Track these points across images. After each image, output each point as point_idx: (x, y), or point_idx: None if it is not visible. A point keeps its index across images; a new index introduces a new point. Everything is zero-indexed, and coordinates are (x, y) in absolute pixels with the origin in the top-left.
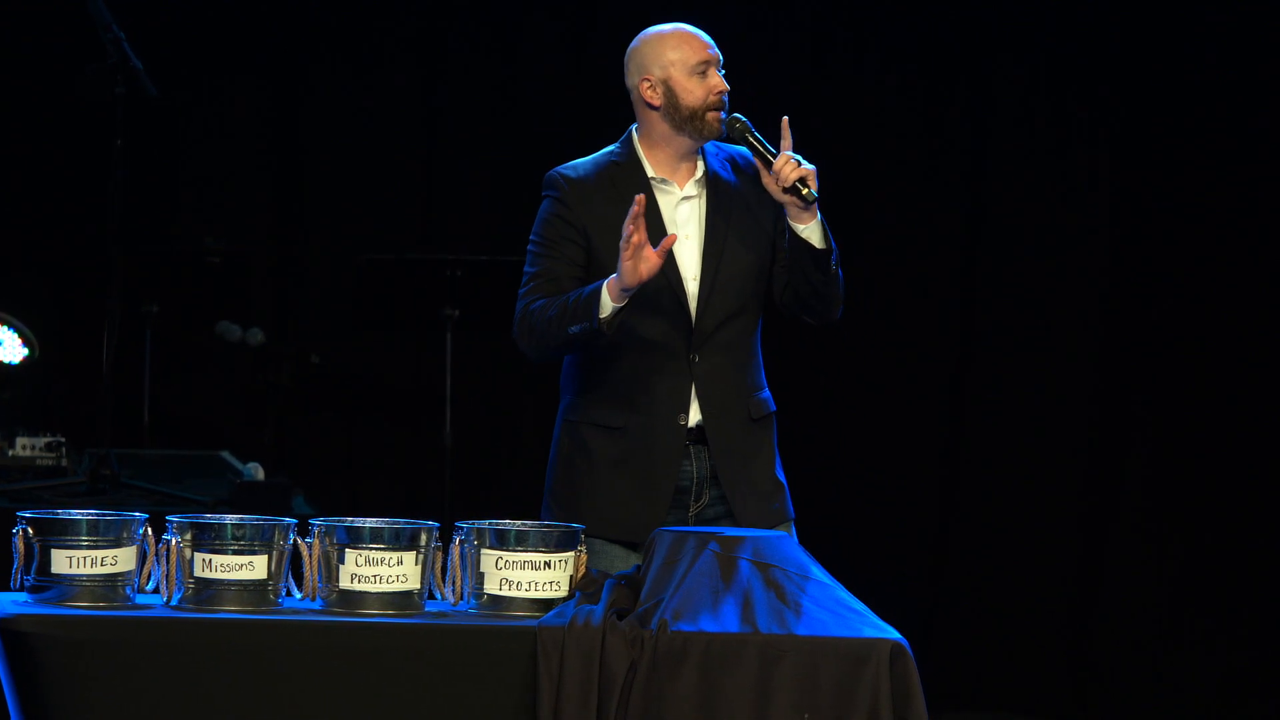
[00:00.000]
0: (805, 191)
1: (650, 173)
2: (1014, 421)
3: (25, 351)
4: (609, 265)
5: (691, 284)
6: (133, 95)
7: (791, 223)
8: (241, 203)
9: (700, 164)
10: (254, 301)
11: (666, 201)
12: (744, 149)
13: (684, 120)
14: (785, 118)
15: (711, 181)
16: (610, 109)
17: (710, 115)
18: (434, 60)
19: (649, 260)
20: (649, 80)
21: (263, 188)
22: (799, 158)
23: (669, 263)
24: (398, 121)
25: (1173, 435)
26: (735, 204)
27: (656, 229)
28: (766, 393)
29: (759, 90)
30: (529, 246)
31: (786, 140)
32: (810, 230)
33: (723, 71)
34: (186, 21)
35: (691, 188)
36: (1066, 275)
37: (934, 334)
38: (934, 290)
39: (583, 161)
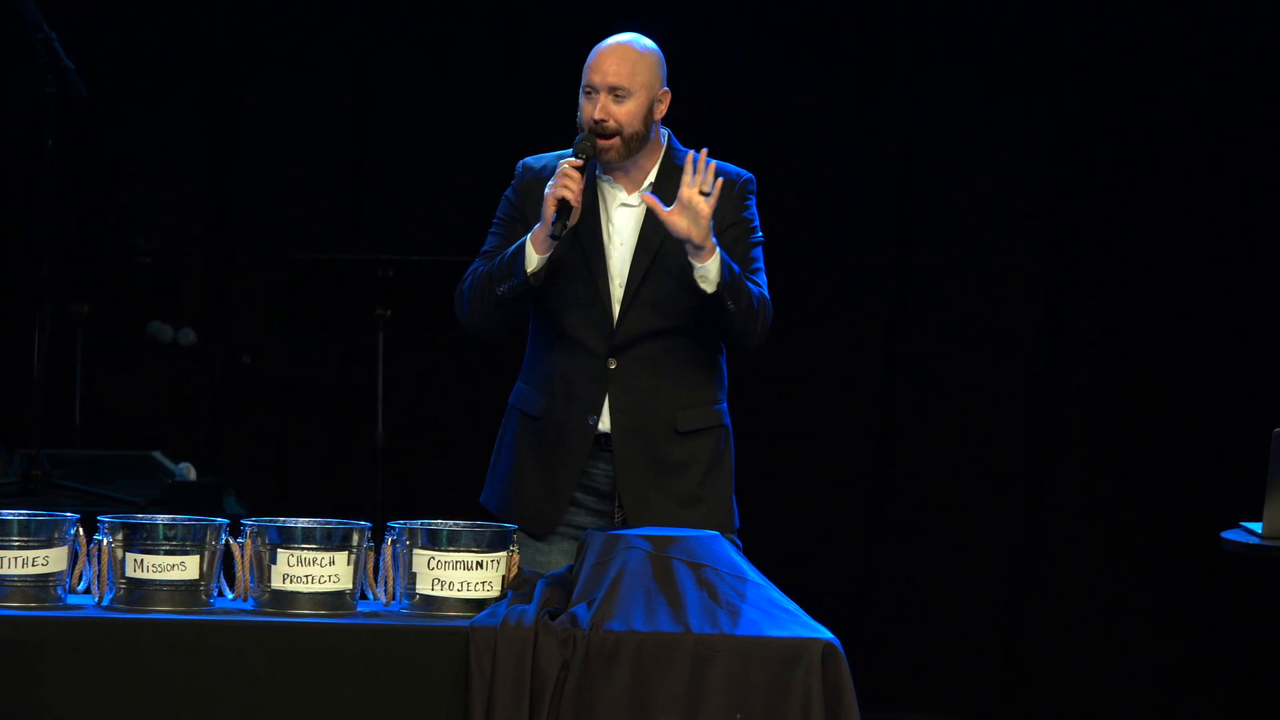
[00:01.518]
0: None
1: (599, 171)
2: (947, 423)
3: None
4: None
5: (617, 289)
6: (64, 95)
7: (690, 259)
8: (173, 203)
9: (653, 175)
10: (185, 301)
11: (610, 201)
12: (729, 166)
13: None
14: (705, 150)
15: (657, 194)
16: (541, 111)
17: (599, 143)
18: (366, 61)
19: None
20: None
21: (194, 187)
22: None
23: (597, 263)
24: (329, 122)
25: (1103, 437)
26: None
27: (593, 225)
28: (713, 407)
29: (692, 95)
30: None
31: (687, 177)
32: (704, 270)
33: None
34: (119, 22)
35: (634, 197)
36: (998, 283)
37: (865, 335)
38: (865, 294)
39: (552, 154)
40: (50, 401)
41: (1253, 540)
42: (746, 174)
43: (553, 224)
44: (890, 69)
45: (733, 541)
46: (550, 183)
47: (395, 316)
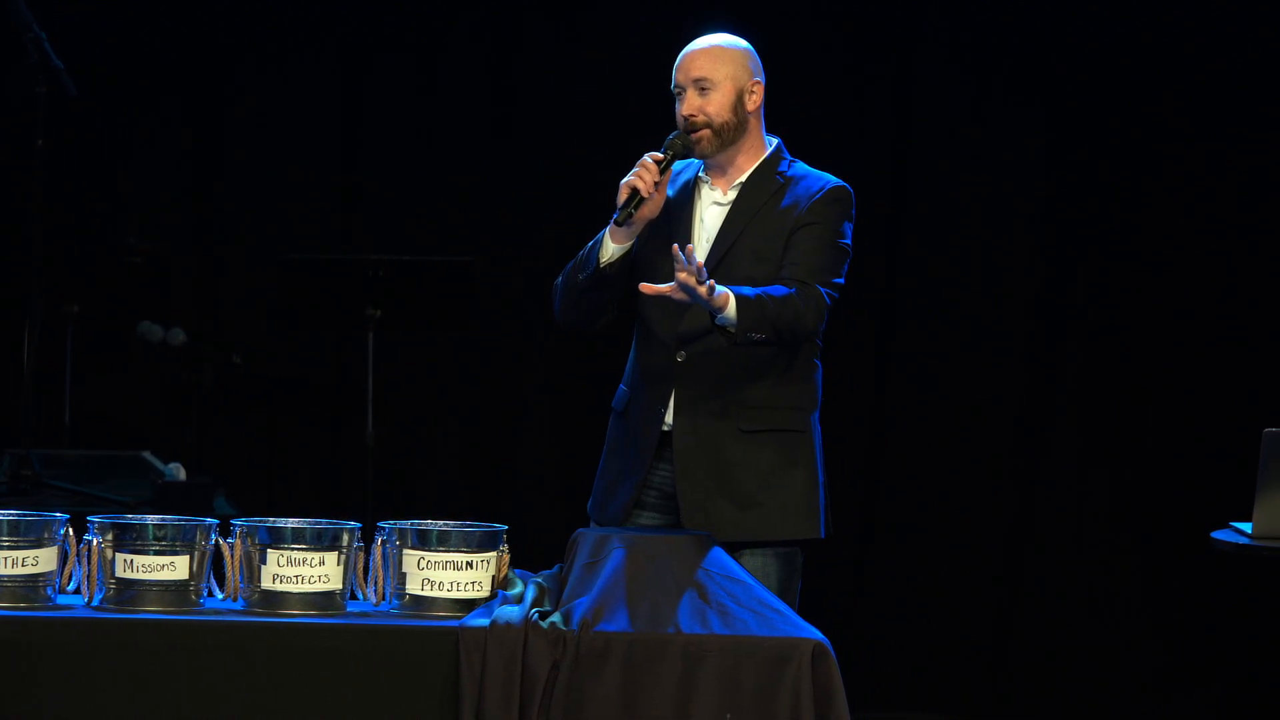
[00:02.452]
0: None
1: (702, 172)
2: (940, 421)
3: None
4: (639, 248)
5: None
6: (54, 95)
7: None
8: (163, 202)
9: (746, 174)
10: (175, 301)
11: (704, 200)
12: (819, 172)
13: None
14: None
15: (745, 192)
16: (534, 110)
17: (691, 137)
18: (358, 61)
19: (650, 202)
20: None
21: (185, 187)
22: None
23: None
24: (320, 121)
25: (1095, 436)
26: (759, 218)
27: (686, 223)
28: (788, 410)
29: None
30: None
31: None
32: (725, 317)
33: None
34: (108, 21)
35: (726, 195)
36: (991, 282)
37: (859, 334)
38: (860, 293)
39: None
40: (40, 401)
41: (1243, 540)
42: (836, 182)
43: (619, 209)
44: (888, 68)
45: (800, 554)
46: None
47: (386, 316)
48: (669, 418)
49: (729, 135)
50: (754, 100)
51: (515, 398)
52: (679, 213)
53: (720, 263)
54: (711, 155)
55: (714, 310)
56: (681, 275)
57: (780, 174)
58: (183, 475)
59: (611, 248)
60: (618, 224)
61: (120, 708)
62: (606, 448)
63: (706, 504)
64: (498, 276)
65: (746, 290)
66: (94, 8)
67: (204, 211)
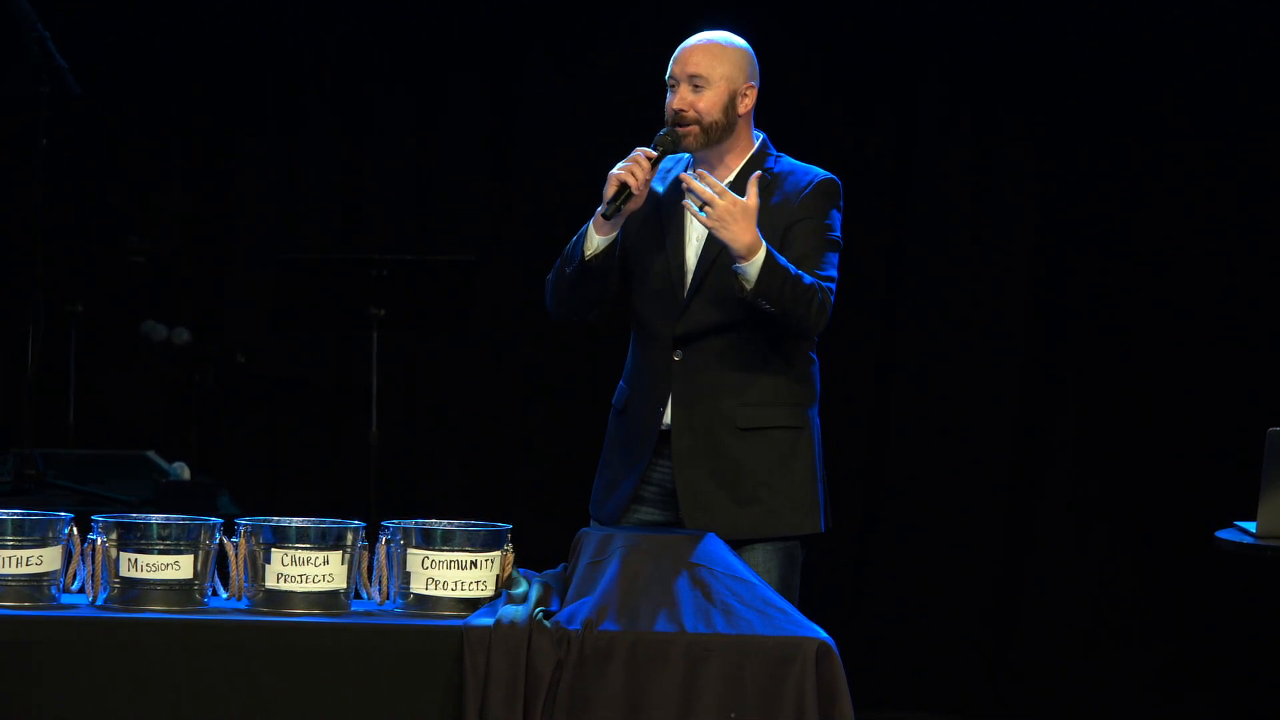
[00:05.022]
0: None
1: (691, 169)
2: (938, 422)
3: None
4: (629, 245)
5: (688, 280)
6: (57, 94)
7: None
8: (167, 202)
9: (735, 172)
10: (179, 301)
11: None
12: (805, 165)
13: None
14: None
15: (735, 188)
16: (534, 110)
17: (679, 131)
18: (360, 61)
19: (635, 196)
20: None
21: (188, 186)
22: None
23: (675, 256)
24: (323, 120)
25: (1096, 436)
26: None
27: (679, 221)
28: (785, 407)
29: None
30: None
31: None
32: (743, 270)
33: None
34: (112, 21)
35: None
36: (991, 282)
37: (858, 336)
38: (859, 294)
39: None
40: (44, 401)
41: (1247, 540)
42: (826, 175)
43: (607, 203)
44: (888, 67)
45: (800, 549)
46: (619, 165)
47: (389, 315)
48: (667, 416)
49: (716, 134)
50: (746, 104)
51: (518, 397)
52: (669, 209)
53: (714, 263)
54: (697, 151)
55: (739, 255)
56: (714, 208)
57: (768, 170)
58: (187, 474)
59: (596, 240)
60: (605, 217)
61: (124, 707)
62: (607, 445)
63: (707, 502)
64: (500, 275)
65: (780, 257)
66: (97, 7)
67: (207, 211)
